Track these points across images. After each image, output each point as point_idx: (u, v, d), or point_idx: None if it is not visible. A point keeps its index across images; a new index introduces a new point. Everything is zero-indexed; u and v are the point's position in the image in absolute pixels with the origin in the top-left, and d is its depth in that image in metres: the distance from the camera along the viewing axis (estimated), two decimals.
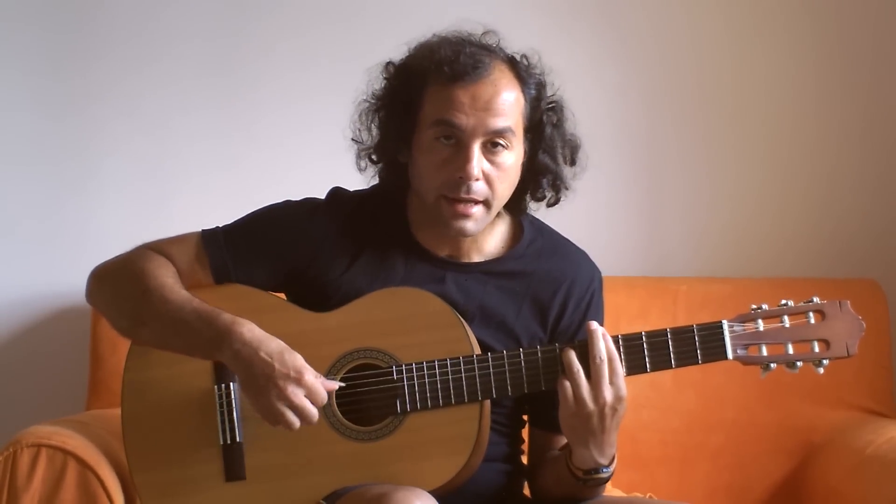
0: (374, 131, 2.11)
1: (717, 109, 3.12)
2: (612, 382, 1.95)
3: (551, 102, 2.10)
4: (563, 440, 2.11)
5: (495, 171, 2.02)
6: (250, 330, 1.94)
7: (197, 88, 3.05)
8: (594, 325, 1.98)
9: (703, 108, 3.11)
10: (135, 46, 3.04)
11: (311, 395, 1.92)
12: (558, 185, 2.12)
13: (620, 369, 1.96)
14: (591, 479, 2.01)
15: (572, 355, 1.96)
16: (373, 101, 2.11)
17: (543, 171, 2.10)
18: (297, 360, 1.93)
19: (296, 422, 1.93)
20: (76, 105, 3.04)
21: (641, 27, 3.10)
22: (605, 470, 2.01)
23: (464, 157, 1.99)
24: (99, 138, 3.04)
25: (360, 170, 2.16)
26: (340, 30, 3.05)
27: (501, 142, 2.02)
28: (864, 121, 3.12)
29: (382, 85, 2.11)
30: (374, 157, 2.14)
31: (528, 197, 2.13)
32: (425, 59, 2.04)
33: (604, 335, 1.97)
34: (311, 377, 1.93)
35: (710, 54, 3.11)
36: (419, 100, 2.03)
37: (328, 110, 3.01)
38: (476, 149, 2.00)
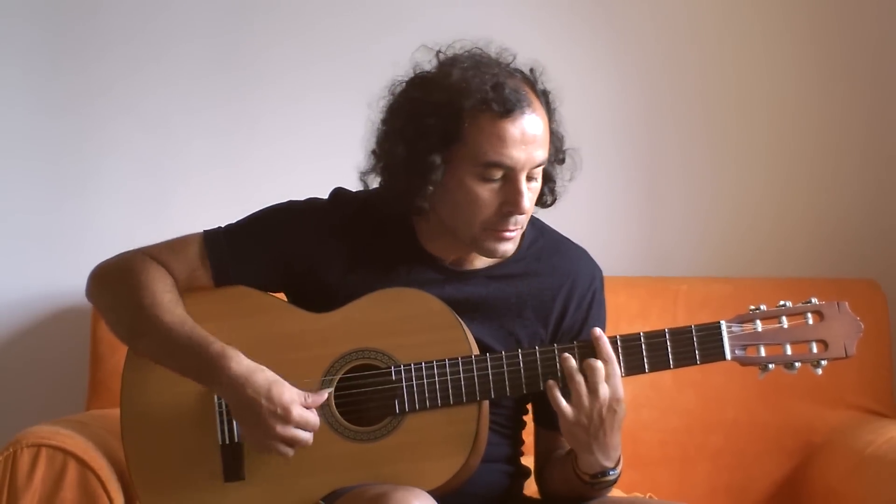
0: (399, 152, 2.01)
1: (717, 110, 3.12)
2: (609, 384, 1.95)
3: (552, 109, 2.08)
4: None
5: (531, 197, 2.00)
6: (238, 363, 1.95)
7: (197, 87, 3.05)
8: (597, 331, 1.98)
9: (703, 108, 3.11)
10: (134, 46, 3.04)
11: (301, 427, 1.95)
12: (555, 189, 2.11)
13: (618, 371, 1.96)
14: (599, 483, 2.01)
15: (571, 359, 1.96)
16: (398, 126, 2.02)
17: (548, 180, 2.09)
18: (284, 395, 1.94)
19: (289, 452, 1.96)
20: (76, 104, 3.03)
21: (642, 26, 3.10)
22: (611, 472, 2.01)
23: (515, 191, 1.96)
24: (99, 137, 3.04)
25: (367, 186, 2.11)
26: (341, 29, 3.05)
27: (538, 171, 2.01)
28: (864, 121, 3.11)
29: (413, 115, 2.00)
30: (389, 176, 2.06)
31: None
32: (462, 92, 1.96)
33: (603, 339, 1.97)
34: (299, 410, 1.94)
35: (711, 54, 3.11)
36: (458, 134, 1.96)
37: (329, 109, 3.04)
38: (523, 182, 1.97)
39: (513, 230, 2.00)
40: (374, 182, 2.09)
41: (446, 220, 2.03)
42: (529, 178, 1.99)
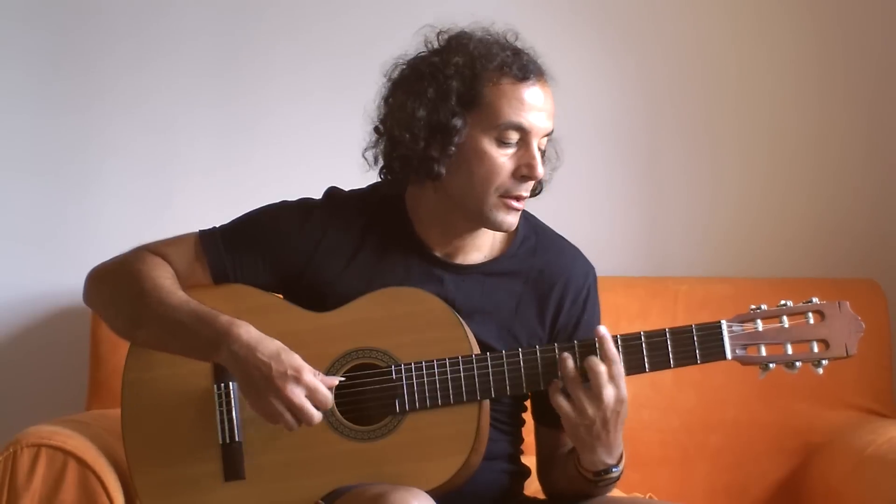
0: (417, 120, 2.02)
1: (717, 110, 3.12)
2: (613, 384, 1.94)
3: None
4: None
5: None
6: (247, 331, 1.94)
7: (199, 87, 3.05)
8: (601, 330, 1.97)
9: (704, 108, 3.11)
10: (136, 46, 3.04)
11: (311, 395, 1.92)
12: (543, 182, 2.13)
13: (622, 370, 1.96)
14: (602, 480, 2.02)
15: (568, 360, 1.96)
16: (417, 90, 2.03)
17: None
18: (295, 359, 1.93)
19: (294, 423, 1.93)
20: (77, 104, 3.03)
21: (642, 25, 3.10)
22: (614, 469, 2.01)
23: (530, 155, 2.00)
24: (100, 138, 3.04)
25: (374, 164, 2.11)
26: (342, 30, 3.05)
27: (545, 142, 2.05)
28: (865, 121, 3.12)
29: (435, 80, 2.02)
30: (398, 149, 2.05)
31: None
32: (485, 55, 2.01)
33: (606, 338, 1.97)
34: (310, 375, 1.92)
35: (712, 53, 3.11)
36: (478, 96, 2.00)
37: (330, 110, 3.04)
38: (537, 148, 2.02)
39: (524, 198, 2.03)
40: (379, 159, 2.09)
41: (457, 189, 2.03)
42: (539, 149, 2.02)
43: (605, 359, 1.95)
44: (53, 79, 3.04)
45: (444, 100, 2.00)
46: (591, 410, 1.94)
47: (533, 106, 2.00)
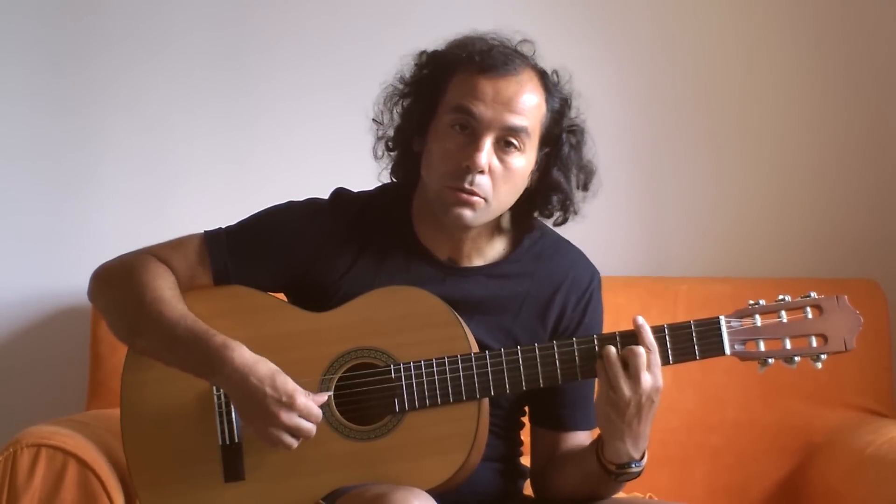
0: (395, 116, 2.11)
1: (718, 109, 3.12)
2: (650, 372, 1.94)
3: (574, 125, 2.12)
4: (570, 439, 2.12)
5: (502, 170, 2.02)
6: (240, 355, 1.96)
7: (198, 85, 3.05)
8: (640, 319, 1.97)
9: (704, 107, 3.11)
10: (135, 43, 3.04)
11: (304, 416, 1.95)
12: (567, 206, 2.13)
13: (658, 360, 1.95)
14: (624, 474, 2.01)
15: (610, 346, 1.96)
16: (399, 85, 2.11)
17: (555, 189, 2.10)
18: (288, 384, 1.95)
19: (293, 443, 1.96)
20: (76, 102, 3.04)
21: (643, 24, 3.10)
22: (636, 464, 2.01)
23: (474, 146, 1.99)
24: (99, 136, 3.04)
25: (377, 157, 2.15)
26: (343, 26, 3.05)
27: (515, 142, 2.02)
28: (865, 121, 3.12)
29: (412, 71, 2.11)
30: (390, 143, 2.13)
31: (535, 213, 2.13)
32: (457, 49, 2.06)
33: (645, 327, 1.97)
34: (303, 399, 1.94)
35: (713, 53, 3.11)
36: (444, 87, 2.04)
37: (330, 107, 3.04)
38: (488, 142, 2.00)
39: (468, 191, 2.00)
40: (384, 153, 2.15)
41: (425, 181, 2.07)
42: (506, 146, 2.01)
43: (645, 346, 1.95)
44: (51, 77, 3.03)
45: (422, 86, 2.06)
46: (627, 392, 1.93)
47: (486, 95, 2.00)
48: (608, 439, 1.99)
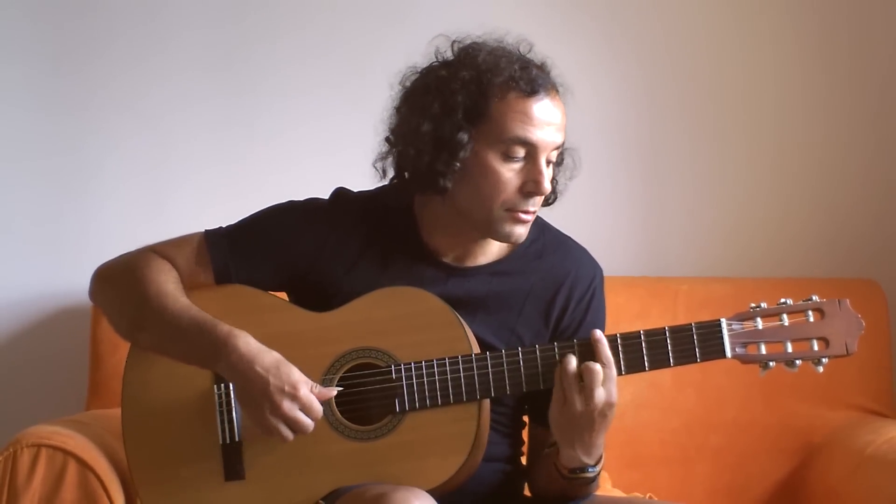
0: (423, 135, 2.01)
1: (718, 109, 3.12)
2: (605, 388, 1.94)
3: None
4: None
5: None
6: (246, 342, 1.95)
7: (197, 84, 3.05)
8: (598, 333, 1.97)
9: (704, 107, 3.12)
10: (135, 43, 3.04)
11: (306, 409, 1.94)
12: (557, 189, 2.14)
13: (614, 375, 1.96)
14: (577, 479, 2.02)
15: (571, 358, 1.96)
16: (423, 104, 2.03)
17: (554, 184, 2.12)
18: (293, 373, 1.94)
19: (290, 435, 1.95)
20: (75, 102, 3.03)
21: (645, 23, 3.10)
22: (591, 469, 2.01)
23: (537, 171, 2.00)
24: (98, 136, 3.04)
25: (381, 174, 2.11)
26: (341, 25, 3.05)
27: (555, 157, 2.05)
28: (866, 121, 3.12)
29: (435, 86, 2.03)
30: (402, 165, 2.08)
31: None
32: (492, 69, 2.00)
33: (602, 342, 1.97)
34: (306, 391, 1.94)
35: (714, 52, 3.12)
36: (485, 111, 1.99)
37: (328, 106, 3.04)
38: (544, 162, 2.01)
39: (531, 212, 2.03)
40: (389, 169, 2.10)
41: (464, 202, 2.04)
42: (547, 163, 2.02)
43: (601, 362, 1.95)
44: (51, 77, 3.03)
45: (450, 114, 2.00)
46: (579, 406, 1.93)
47: (540, 120, 1.99)
48: (561, 446, 2.00)
